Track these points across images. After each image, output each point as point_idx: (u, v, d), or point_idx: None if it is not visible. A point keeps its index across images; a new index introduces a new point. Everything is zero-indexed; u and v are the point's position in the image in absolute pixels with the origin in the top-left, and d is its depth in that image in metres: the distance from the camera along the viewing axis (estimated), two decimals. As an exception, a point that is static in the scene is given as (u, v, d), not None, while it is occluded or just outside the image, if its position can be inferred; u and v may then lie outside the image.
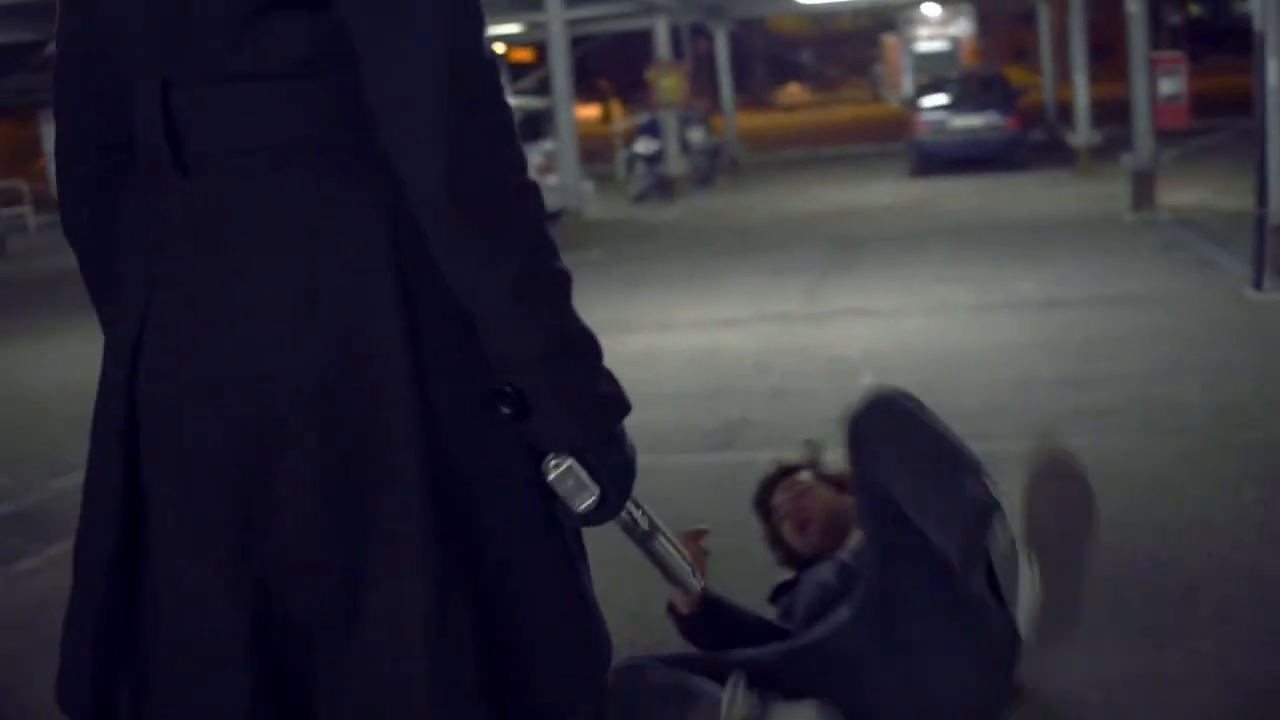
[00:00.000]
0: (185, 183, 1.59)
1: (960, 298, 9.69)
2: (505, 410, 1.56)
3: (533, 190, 1.56)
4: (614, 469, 1.63)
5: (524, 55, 33.70)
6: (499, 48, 26.20)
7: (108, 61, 1.69)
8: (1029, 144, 21.31)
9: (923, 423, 2.84)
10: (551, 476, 1.61)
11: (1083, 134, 18.21)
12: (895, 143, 24.27)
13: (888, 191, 18.79)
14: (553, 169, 17.21)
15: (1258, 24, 8.56)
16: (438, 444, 1.57)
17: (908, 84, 58.94)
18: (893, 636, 2.95)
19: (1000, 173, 19.33)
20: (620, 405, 1.64)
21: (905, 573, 2.95)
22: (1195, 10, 48.68)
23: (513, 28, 21.64)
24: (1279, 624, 3.73)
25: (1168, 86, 18.96)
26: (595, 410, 1.62)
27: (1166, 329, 7.93)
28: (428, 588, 1.55)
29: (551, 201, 16.88)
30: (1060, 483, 2.48)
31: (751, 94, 48.70)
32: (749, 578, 3.65)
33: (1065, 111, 21.92)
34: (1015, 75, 26.60)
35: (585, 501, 1.61)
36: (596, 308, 9.25)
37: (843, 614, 3.05)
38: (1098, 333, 7.97)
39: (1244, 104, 24.91)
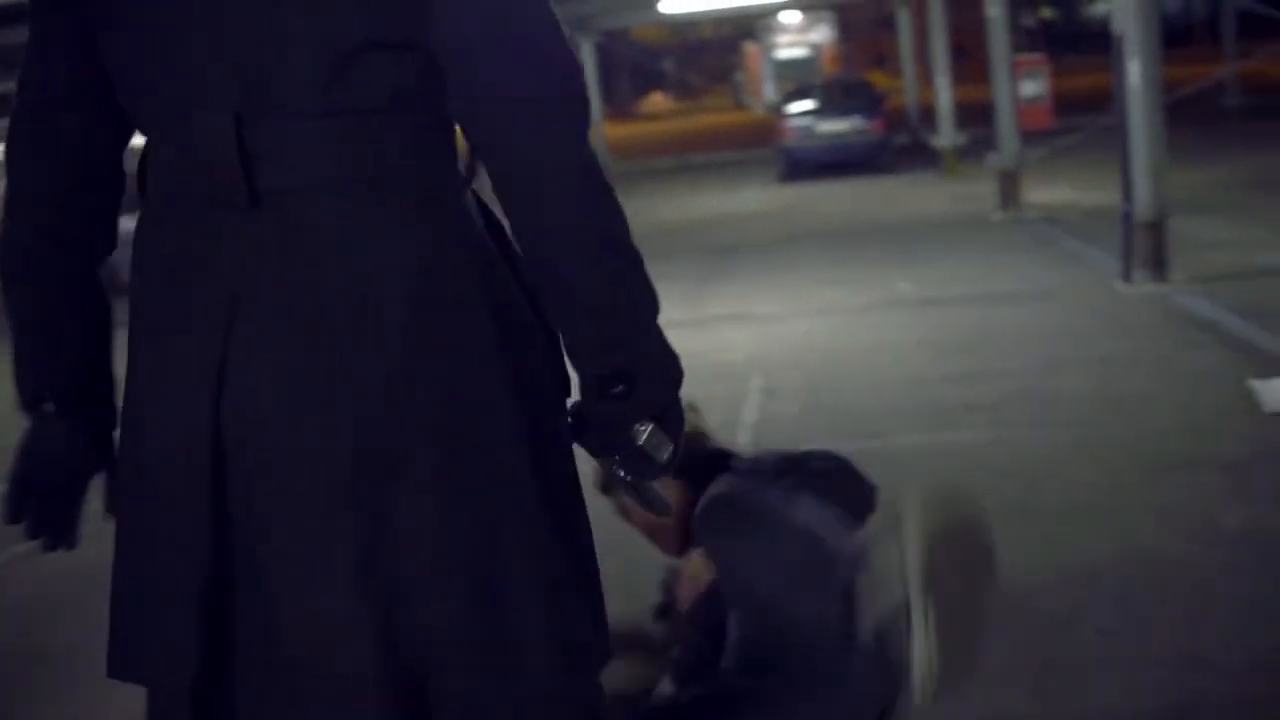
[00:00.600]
0: (261, 212, 1.61)
1: (840, 300, 9.84)
2: (619, 389, 1.70)
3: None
4: (680, 420, 1.78)
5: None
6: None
7: (91, 107, 1.71)
8: (894, 147, 21.67)
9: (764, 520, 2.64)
10: (643, 440, 1.74)
11: (947, 136, 18.57)
12: (761, 149, 24.58)
13: (758, 198, 18.97)
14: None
15: (1117, 27, 8.84)
16: (534, 444, 1.67)
17: (769, 91, 59.54)
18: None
19: (868, 176, 19.63)
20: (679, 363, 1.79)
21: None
22: (1047, 13, 49.91)
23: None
24: (1179, 603, 3.89)
25: (1030, 88, 19.44)
26: (677, 369, 1.78)
27: (1044, 323, 8.15)
28: (547, 590, 1.67)
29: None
30: (959, 541, 2.43)
31: (616, 104, 48.82)
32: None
33: (928, 114, 22.33)
34: (877, 80, 27.06)
35: (666, 453, 1.75)
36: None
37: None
38: (978, 329, 8.17)
39: (1099, 103, 25.57)
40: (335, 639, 1.60)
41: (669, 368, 1.75)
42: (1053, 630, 3.75)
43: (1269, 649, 3.57)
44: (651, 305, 1.72)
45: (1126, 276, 9.00)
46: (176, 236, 1.67)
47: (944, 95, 18.34)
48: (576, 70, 1.65)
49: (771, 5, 33.36)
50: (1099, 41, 44.92)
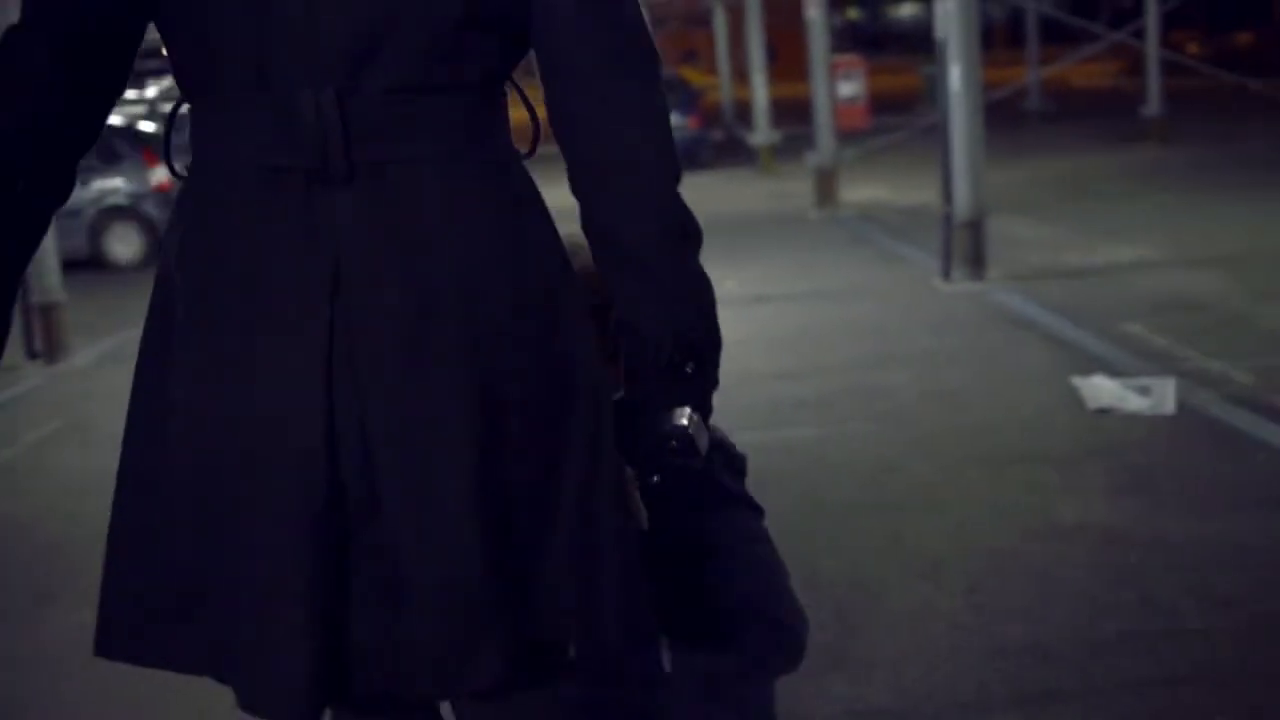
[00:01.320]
0: (360, 185, 1.61)
1: (667, 296, 9.86)
2: (690, 369, 1.74)
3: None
4: (710, 406, 1.82)
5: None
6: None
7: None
8: (711, 144, 21.87)
9: None
10: (691, 428, 1.76)
11: (763, 134, 18.81)
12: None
13: (569, 194, 18.95)
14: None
15: (940, 32, 9.06)
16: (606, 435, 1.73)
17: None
18: None
19: (684, 172, 19.69)
20: None
21: None
22: (854, 14, 50.90)
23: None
24: (1022, 596, 4.01)
25: (847, 89, 19.81)
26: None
27: (869, 320, 8.33)
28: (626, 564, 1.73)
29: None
30: None
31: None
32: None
33: (742, 111, 22.58)
34: (689, 76, 27.27)
35: (706, 440, 1.79)
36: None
37: None
38: (806, 326, 8.31)
39: (909, 103, 26.13)
40: (450, 559, 1.63)
41: (720, 345, 1.80)
42: (905, 625, 3.83)
43: (1108, 639, 3.70)
44: (709, 281, 1.77)
45: (946, 275, 9.24)
46: (259, 213, 1.63)
47: (760, 93, 18.56)
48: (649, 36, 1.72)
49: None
50: (905, 41, 46.29)
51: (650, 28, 1.72)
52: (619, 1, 1.68)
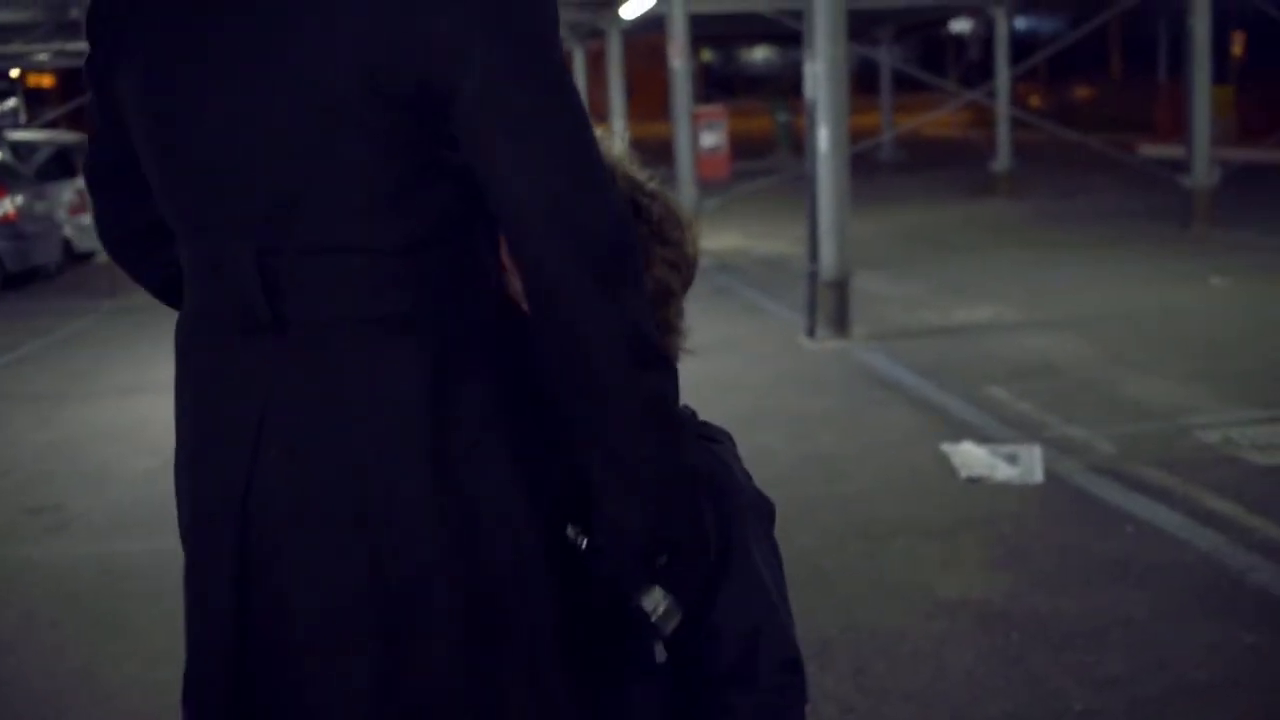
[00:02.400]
0: (290, 337, 1.59)
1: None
2: (662, 561, 1.62)
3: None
4: (699, 593, 1.70)
5: (44, 80, 31.89)
6: (15, 72, 24.74)
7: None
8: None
9: None
10: (656, 614, 1.63)
11: (621, 178, 18.88)
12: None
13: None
14: (86, 209, 16.39)
15: (809, 93, 9.20)
16: (546, 583, 1.66)
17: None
18: None
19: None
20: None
21: None
22: (707, 56, 51.47)
23: (43, 56, 20.41)
24: (910, 676, 4.06)
25: (709, 139, 19.96)
26: (710, 541, 1.69)
27: (736, 377, 8.37)
28: None
29: (86, 243, 16.15)
30: None
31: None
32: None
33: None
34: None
35: (672, 625, 1.65)
36: (134, 365, 8.78)
37: None
38: (675, 382, 8.30)
39: (762, 149, 26.39)
40: None
41: (706, 542, 1.66)
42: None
43: (997, 717, 3.76)
44: (692, 472, 1.65)
45: (811, 332, 9.36)
46: (209, 350, 1.66)
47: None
48: (624, 219, 1.59)
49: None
50: (758, 85, 46.90)
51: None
52: (575, 174, 1.55)
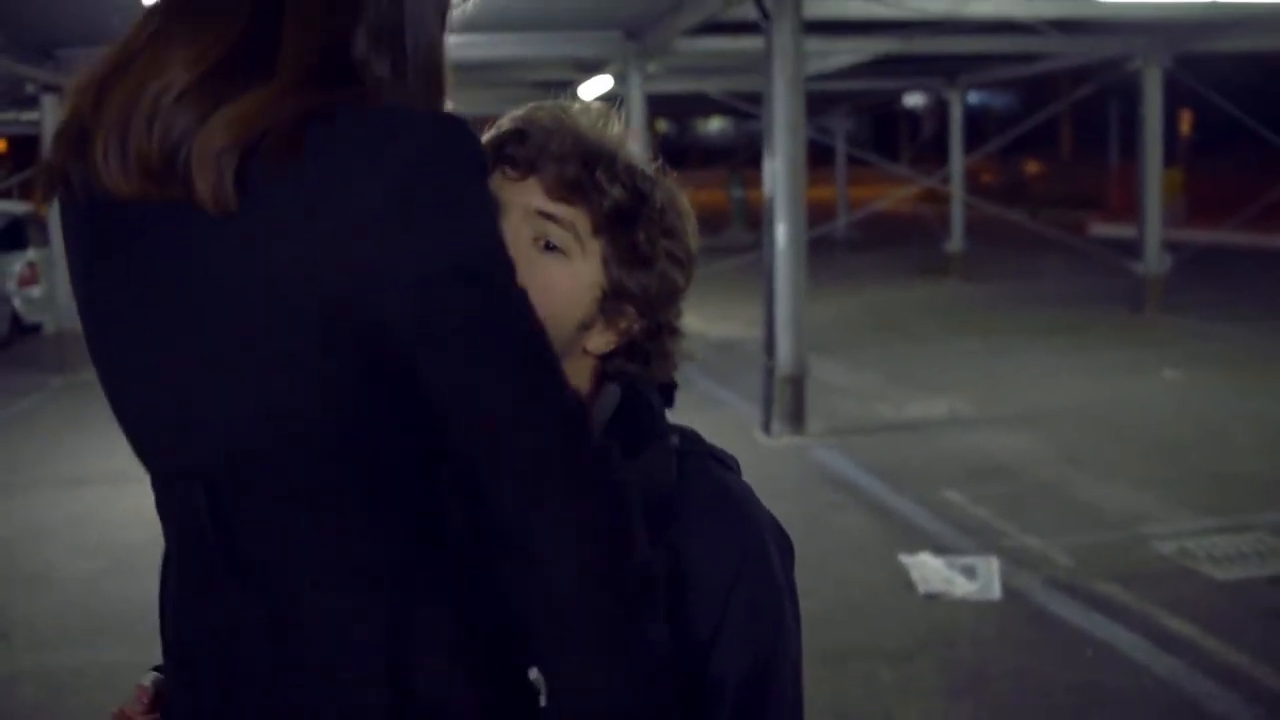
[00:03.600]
0: (251, 579, 1.49)
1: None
2: None
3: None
4: None
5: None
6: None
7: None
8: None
9: None
10: None
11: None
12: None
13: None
14: (36, 280, 16.24)
15: (768, 189, 9.23)
16: None
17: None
18: None
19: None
20: None
21: None
22: (662, 126, 51.74)
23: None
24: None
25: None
26: None
27: (693, 475, 8.32)
28: None
29: (34, 315, 15.97)
30: None
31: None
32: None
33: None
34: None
35: None
36: (81, 451, 8.58)
37: None
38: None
39: (717, 223, 26.50)
40: None
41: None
42: None
43: None
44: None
45: (767, 428, 9.33)
46: (179, 573, 1.57)
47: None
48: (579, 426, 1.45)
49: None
50: (712, 157, 47.19)
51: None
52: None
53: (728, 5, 10.55)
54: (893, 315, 16.05)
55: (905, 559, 6.32)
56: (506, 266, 1.42)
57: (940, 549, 6.48)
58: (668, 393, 1.78)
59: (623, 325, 1.69)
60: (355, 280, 1.36)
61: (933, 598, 5.89)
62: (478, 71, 17.98)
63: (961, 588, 5.97)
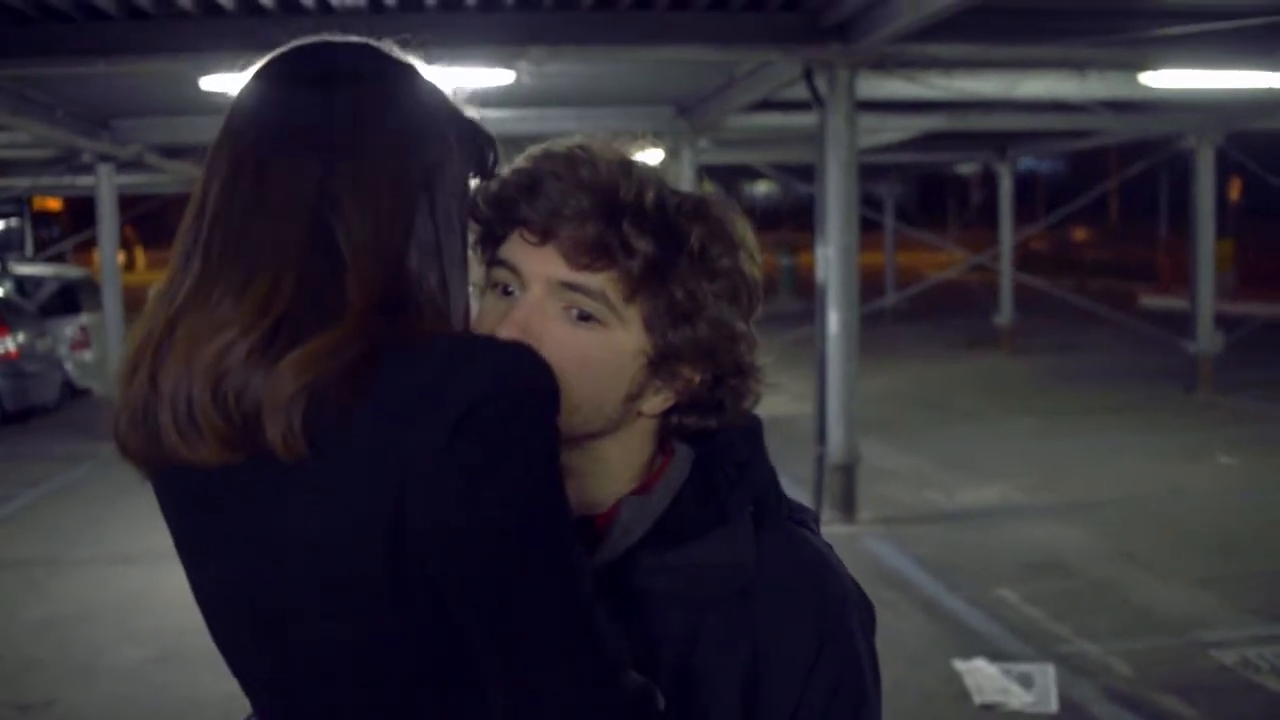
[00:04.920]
0: None
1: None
2: None
3: None
4: None
5: (51, 204, 32.08)
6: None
7: None
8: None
9: None
10: None
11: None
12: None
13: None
14: (88, 345, 16.37)
15: (820, 274, 9.20)
16: None
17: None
18: None
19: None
20: None
21: None
22: (709, 188, 51.83)
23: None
24: None
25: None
26: None
27: (742, 566, 8.25)
28: None
29: (87, 380, 16.09)
30: None
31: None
32: None
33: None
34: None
35: None
36: (130, 526, 8.54)
37: None
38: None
39: (764, 288, 26.67)
40: None
41: None
42: None
43: None
44: None
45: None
46: None
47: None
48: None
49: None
50: (759, 220, 46.80)
51: None
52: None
53: (780, 86, 10.58)
54: (942, 391, 15.95)
55: (960, 665, 6.23)
56: (550, 524, 1.35)
57: (995, 653, 6.38)
58: (753, 435, 1.58)
59: (679, 384, 1.50)
60: (409, 531, 1.33)
61: (989, 708, 5.79)
62: (527, 143, 18.03)
63: (1018, 699, 5.87)
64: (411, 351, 1.33)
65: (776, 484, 1.56)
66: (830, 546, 1.56)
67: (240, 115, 1.41)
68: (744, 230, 1.52)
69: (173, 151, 16.06)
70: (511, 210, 1.48)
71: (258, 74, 1.42)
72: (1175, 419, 13.62)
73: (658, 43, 8.73)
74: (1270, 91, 11.32)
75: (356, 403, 1.30)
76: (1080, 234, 40.93)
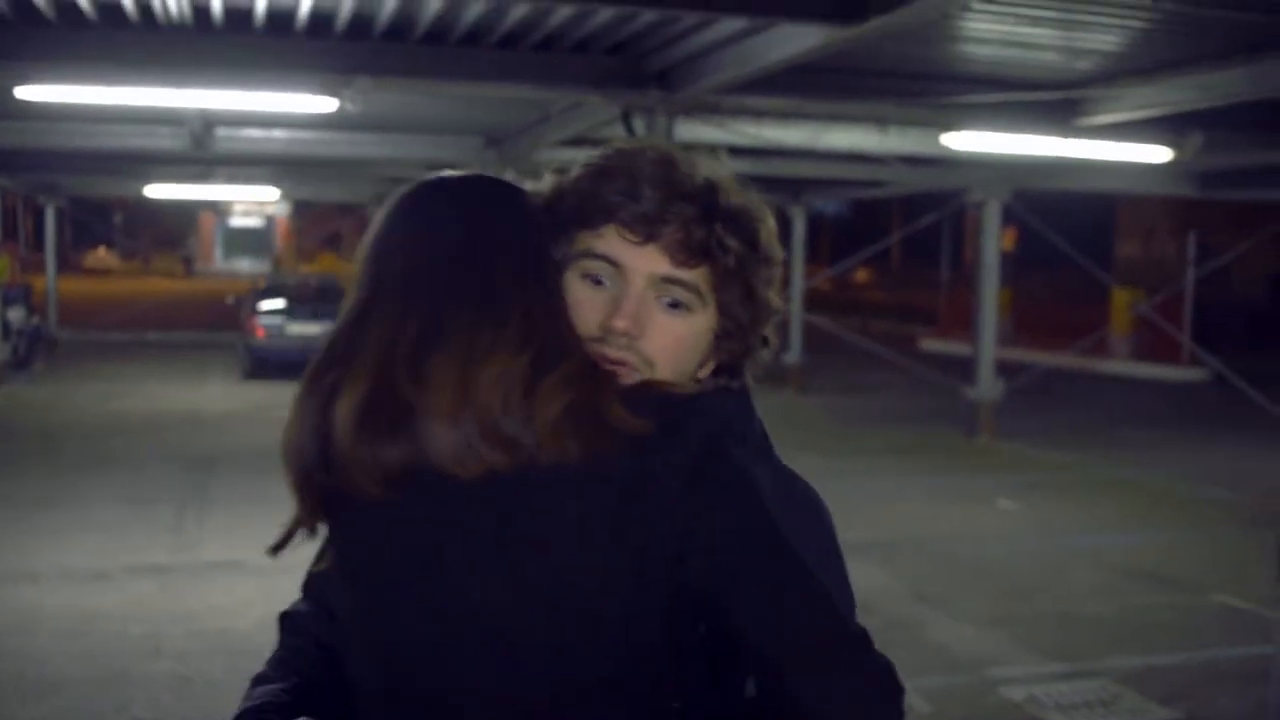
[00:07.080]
0: None
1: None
2: None
3: None
4: None
5: None
6: None
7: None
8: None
9: None
10: None
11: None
12: (220, 333, 24.45)
13: (226, 395, 18.48)
14: None
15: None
16: None
17: (219, 257, 58.74)
18: None
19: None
20: None
21: None
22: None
23: None
24: None
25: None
26: None
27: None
28: None
29: None
30: None
31: (60, 256, 46.34)
32: None
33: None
34: (328, 264, 26.96)
35: None
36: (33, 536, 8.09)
37: None
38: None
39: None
40: None
41: None
42: None
43: None
44: None
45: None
46: None
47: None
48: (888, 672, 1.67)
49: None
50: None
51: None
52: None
53: (597, 125, 10.74)
54: (734, 428, 16.23)
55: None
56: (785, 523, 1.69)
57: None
58: (744, 394, 1.85)
59: (722, 354, 1.79)
60: (662, 552, 1.61)
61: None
62: (333, 167, 17.95)
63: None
64: (650, 398, 1.63)
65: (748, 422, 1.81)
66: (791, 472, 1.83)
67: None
68: (771, 219, 1.81)
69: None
70: (611, 210, 1.70)
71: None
72: (958, 462, 14.18)
73: (484, 79, 8.80)
74: (1058, 157, 11.94)
75: (613, 444, 1.57)
76: (862, 275, 42.06)
